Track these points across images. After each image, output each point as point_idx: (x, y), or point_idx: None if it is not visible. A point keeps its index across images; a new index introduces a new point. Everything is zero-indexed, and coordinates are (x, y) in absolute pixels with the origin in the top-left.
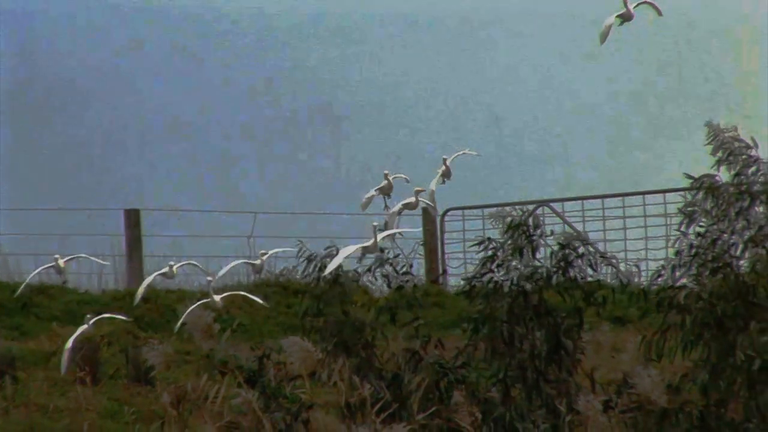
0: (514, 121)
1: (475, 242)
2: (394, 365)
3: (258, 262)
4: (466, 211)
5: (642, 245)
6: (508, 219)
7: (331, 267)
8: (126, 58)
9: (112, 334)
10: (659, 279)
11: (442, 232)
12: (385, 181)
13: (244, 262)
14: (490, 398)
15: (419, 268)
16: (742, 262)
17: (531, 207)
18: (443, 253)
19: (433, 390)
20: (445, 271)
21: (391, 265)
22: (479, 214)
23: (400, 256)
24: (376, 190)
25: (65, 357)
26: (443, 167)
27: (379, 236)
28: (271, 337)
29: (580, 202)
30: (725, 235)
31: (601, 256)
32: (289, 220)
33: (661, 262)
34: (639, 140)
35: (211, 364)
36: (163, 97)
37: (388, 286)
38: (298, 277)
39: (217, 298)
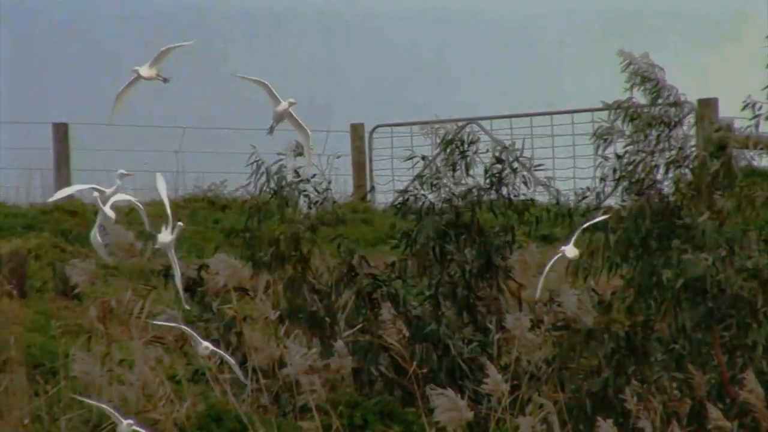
0: (442, 35)
1: (407, 158)
2: (327, 279)
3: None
4: (395, 128)
5: (570, 164)
6: (442, 133)
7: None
8: None
9: (40, 248)
10: (585, 200)
11: (371, 148)
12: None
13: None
14: (420, 315)
15: (345, 185)
16: (665, 183)
17: (460, 124)
18: (371, 170)
19: (366, 305)
20: (372, 188)
21: (310, 183)
22: (407, 132)
23: (318, 175)
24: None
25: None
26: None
27: (107, 205)
28: (197, 253)
29: (508, 120)
30: (648, 157)
31: (534, 169)
32: (217, 135)
33: (588, 182)
34: (568, 58)
35: (143, 277)
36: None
37: (309, 205)
38: (228, 190)
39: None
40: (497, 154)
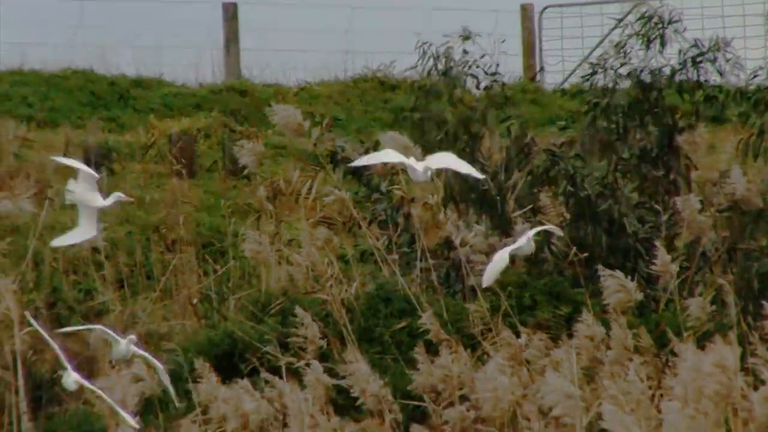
0: None
1: (615, 26)
2: (497, 159)
3: None
4: (564, 9)
5: (741, 44)
6: (644, 9)
7: None
8: None
9: (209, 128)
10: (756, 78)
11: (540, 29)
12: None
13: None
14: (595, 193)
15: (514, 66)
16: None
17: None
18: (541, 50)
19: (540, 183)
20: (542, 69)
21: (479, 66)
22: (577, 12)
23: (486, 57)
24: None
25: None
26: None
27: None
28: (366, 133)
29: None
30: None
31: (736, 64)
32: (387, 14)
33: (759, 63)
34: None
35: (310, 158)
36: None
37: (477, 87)
38: (397, 70)
39: None
40: (710, 44)
